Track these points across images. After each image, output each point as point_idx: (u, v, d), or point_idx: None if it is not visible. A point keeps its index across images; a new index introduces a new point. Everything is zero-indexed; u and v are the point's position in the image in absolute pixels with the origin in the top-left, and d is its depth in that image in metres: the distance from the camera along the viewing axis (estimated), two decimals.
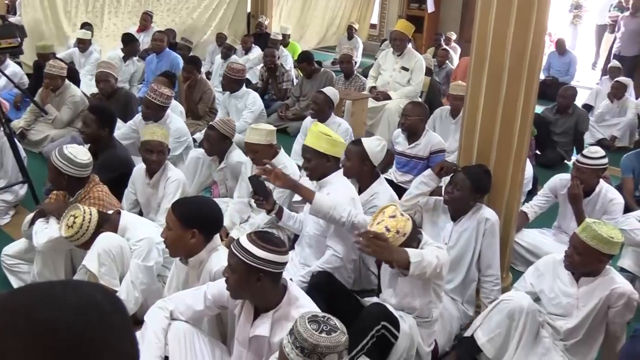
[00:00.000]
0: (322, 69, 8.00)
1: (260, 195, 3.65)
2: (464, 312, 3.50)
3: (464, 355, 3.21)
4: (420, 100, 6.75)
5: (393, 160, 5.32)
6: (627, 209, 4.42)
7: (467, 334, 3.19)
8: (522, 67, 3.37)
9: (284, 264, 2.46)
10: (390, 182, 4.77)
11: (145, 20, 9.62)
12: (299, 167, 4.59)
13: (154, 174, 4.18)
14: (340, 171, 3.65)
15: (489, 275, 3.51)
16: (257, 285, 2.41)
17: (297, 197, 4.45)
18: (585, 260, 2.98)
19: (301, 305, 2.49)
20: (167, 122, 5.06)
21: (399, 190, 4.38)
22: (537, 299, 3.23)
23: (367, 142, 3.92)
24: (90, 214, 3.21)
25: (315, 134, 3.58)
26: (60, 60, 6.69)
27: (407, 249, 2.75)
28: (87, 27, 8.78)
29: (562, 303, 3.11)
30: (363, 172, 3.89)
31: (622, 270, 3.86)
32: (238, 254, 2.40)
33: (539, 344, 3.10)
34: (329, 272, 3.41)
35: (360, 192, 3.89)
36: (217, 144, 4.59)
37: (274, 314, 2.49)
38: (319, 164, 3.56)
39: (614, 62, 9.09)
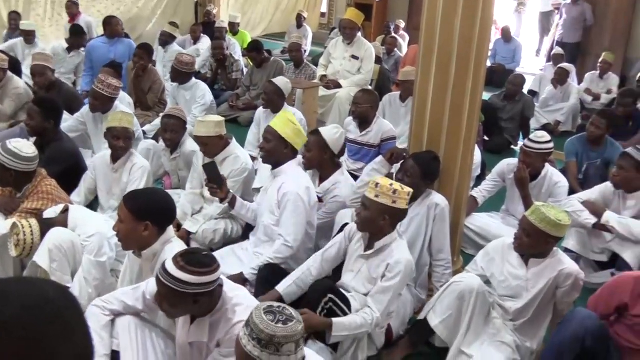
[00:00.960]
0: (272, 58, 7.97)
1: (214, 183, 3.64)
2: (417, 296, 3.56)
3: (418, 338, 3.28)
4: (370, 88, 6.79)
5: (345, 148, 5.36)
6: (571, 192, 4.56)
7: (421, 317, 3.26)
8: (469, 55, 3.44)
9: (217, 280, 2.40)
10: None
11: (70, 8, 9.29)
12: (253, 158, 4.59)
13: (118, 160, 4.15)
14: (295, 161, 3.65)
15: (440, 260, 3.59)
16: (194, 306, 2.38)
17: (256, 185, 4.45)
18: (534, 243, 3.07)
19: (237, 304, 2.46)
20: None
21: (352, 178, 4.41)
22: (488, 282, 3.31)
23: (324, 131, 3.96)
24: (31, 227, 3.14)
25: (283, 119, 3.62)
26: (1, 52, 6.48)
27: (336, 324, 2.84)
28: (14, 15, 8.54)
29: (512, 285, 3.19)
30: (324, 162, 3.93)
31: (566, 250, 3.98)
32: (169, 284, 2.29)
33: (489, 324, 3.19)
34: (276, 264, 3.43)
35: (321, 181, 3.92)
36: (181, 130, 4.58)
37: (211, 317, 2.47)
38: (277, 148, 3.57)
39: (557, 49, 9.33)
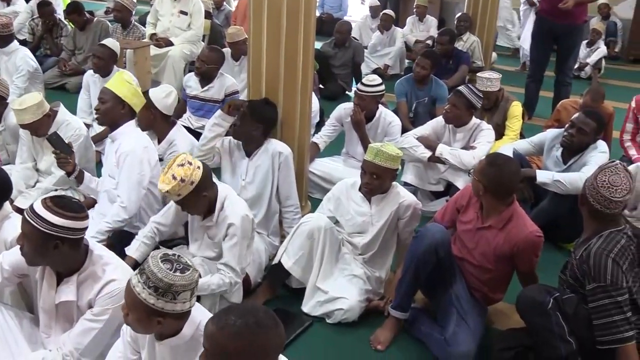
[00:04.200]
0: (96, 18, 7.54)
1: (63, 152, 3.46)
2: (270, 244, 3.66)
3: (274, 282, 3.40)
4: (217, 47, 6.67)
5: (185, 108, 5.31)
6: (404, 130, 4.85)
7: (275, 261, 3.37)
8: (298, 6, 3.52)
9: (84, 229, 2.38)
10: (187, 129, 4.77)
11: None
12: (87, 125, 4.38)
13: None
14: (133, 122, 3.54)
15: (289, 206, 3.71)
16: (54, 252, 2.32)
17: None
18: (383, 181, 3.25)
19: (106, 263, 2.44)
20: None
21: (197, 136, 4.38)
22: (337, 223, 3.48)
23: (153, 92, 3.89)
24: None
25: (119, 79, 3.47)
26: None
27: None
28: None
29: (358, 222, 3.38)
30: (155, 122, 3.85)
31: (405, 184, 4.26)
32: (32, 222, 2.28)
33: (340, 260, 3.38)
34: (124, 229, 3.37)
35: (159, 142, 3.86)
36: None
37: (79, 276, 2.43)
38: (112, 108, 3.42)
39: (373, 1, 9.64)
